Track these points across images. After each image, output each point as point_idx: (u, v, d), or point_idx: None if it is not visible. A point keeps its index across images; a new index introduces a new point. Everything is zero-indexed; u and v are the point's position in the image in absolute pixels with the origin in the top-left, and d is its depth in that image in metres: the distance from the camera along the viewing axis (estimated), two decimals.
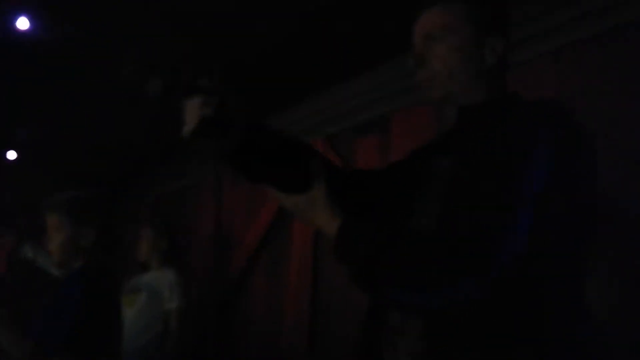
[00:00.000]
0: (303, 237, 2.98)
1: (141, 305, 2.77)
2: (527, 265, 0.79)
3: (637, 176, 1.73)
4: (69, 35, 2.50)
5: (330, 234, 0.95)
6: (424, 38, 1.03)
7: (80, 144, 4.02)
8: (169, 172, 4.38)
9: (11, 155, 4.04)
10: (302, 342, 2.84)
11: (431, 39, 1.02)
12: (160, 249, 2.94)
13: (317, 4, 2.26)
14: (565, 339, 0.87)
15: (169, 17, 2.42)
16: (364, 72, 2.71)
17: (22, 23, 2.45)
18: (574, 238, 0.87)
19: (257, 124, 0.99)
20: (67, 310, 1.67)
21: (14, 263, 3.40)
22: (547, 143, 0.84)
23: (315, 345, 2.79)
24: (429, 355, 0.88)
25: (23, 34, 2.49)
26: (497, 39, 1.02)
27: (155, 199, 4.62)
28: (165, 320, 2.79)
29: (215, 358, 3.42)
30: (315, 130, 3.04)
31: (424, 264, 0.83)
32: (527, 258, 0.79)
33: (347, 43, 2.47)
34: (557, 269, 0.86)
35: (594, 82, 1.89)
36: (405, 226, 1.00)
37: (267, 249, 3.29)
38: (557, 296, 0.87)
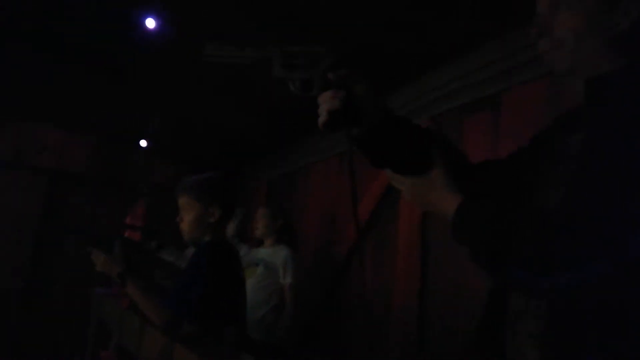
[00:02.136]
0: (410, 219, 2.97)
1: (259, 279, 2.94)
2: None
3: None
4: (194, 32, 2.68)
5: (448, 213, 0.93)
6: (549, 5, 0.97)
7: (203, 133, 4.32)
8: (280, 159, 4.58)
9: (143, 143, 4.45)
10: (411, 322, 2.85)
11: (556, 5, 0.96)
12: (275, 227, 3.12)
13: None
14: None
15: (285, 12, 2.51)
16: (471, 49, 2.62)
17: (150, 22, 2.69)
18: None
19: (386, 110, 1.01)
20: (196, 281, 1.79)
21: (147, 235, 3.76)
22: None
23: (424, 325, 2.78)
24: (552, 338, 0.85)
25: (152, 32, 2.72)
26: (630, 2, 0.92)
27: (269, 182, 4.85)
28: (280, 295, 2.94)
29: (327, 334, 3.53)
30: (421, 110, 3.00)
31: (551, 243, 0.78)
32: None
33: (456, 20, 2.41)
34: None
35: None
36: (529, 206, 0.94)
37: (374, 230, 3.32)
38: None
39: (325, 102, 0.94)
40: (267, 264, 2.99)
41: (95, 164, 4.75)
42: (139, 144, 4.41)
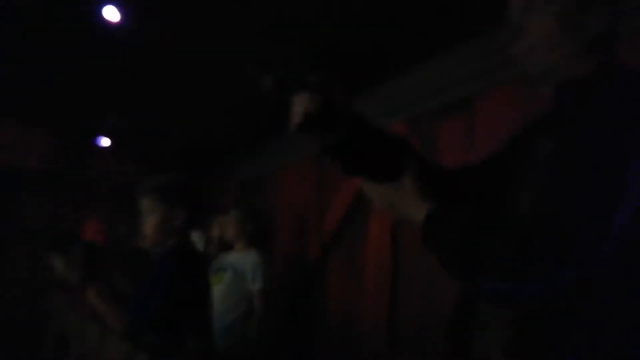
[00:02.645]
0: (380, 225, 2.96)
1: (227, 285, 2.86)
2: (631, 255, 0.74)
3: None
4: (159, 25, 2.60)
5: (418, 221, 0.93)
6: (523, 8, 0.98)
7: (168, 131, 4.21)
8: (252, 160, 4.51)
9: (104, 142, 4.29)
10: (381, 330, 2.84)
11: (530, 9, 0.96)
12: (247, 231, 3.04)
13: None
14: None
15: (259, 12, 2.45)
16: (446, 52, 2.63)
17: (112, 13, 2.57)
18: None
19: (359, 118, 1.00)
20: (160, 288, 1.73)
21: (110, 241, 3.65)
22: None
23: (395, 333, 2.77)
24: (518, 346, 0.85)
25: (113, 24, 2.62)
26: (603, 7, 0.94)
27: (240, 185, 4.77)
28: (249, 301, 2.86)
29: (297, 340, 3.49)
30: (396, 113, 2.99)
31: (521, 251, 0.78)
32: (631, 247, 0.73)
33: (430, 23, 2.41)
34: None
35: None
36: (500, 213, 0.95)
37: (344, 237, 3.30)
38: None
39: (302, 104, 0.92)
40: (235, 269, 2.91)
41: (53, 162, 4.56)
42: (99, 143, 4.25)
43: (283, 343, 3.40)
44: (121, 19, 2.59)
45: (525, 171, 0.95)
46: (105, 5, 2.53)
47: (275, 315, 3.18)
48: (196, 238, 3.19)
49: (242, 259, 2.95)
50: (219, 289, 2.78)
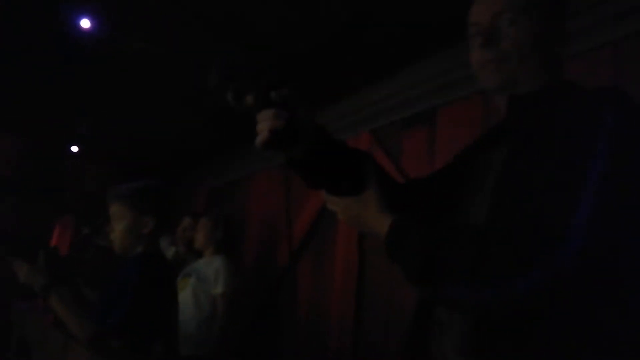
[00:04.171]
0: (348, 234, 2.99)
1: (190, 290, 2.86)
2: (589, 260, 0.74)
3: None
4: (130, 34, 2.60)
5: (381, 232, 0.94)
6: (494, 16, 0.98)
7: (138, 138, 4.18)
8: (222, 166, 4.50)
9: (74, 147, 4.24)
10: (347, 337, 2.86)
11: (502, 18, 0.97)
12: (216, 238, 3.06)
13: None
14: (631, 342, 0.80)
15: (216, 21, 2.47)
16: (409, 66, 2.69)
17: (85, 23, 2.57)
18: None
19: (323, 133, 1.00)
20: (126, 294, 1.72)
21: (76, 244, 3.60)
22: (609, 129, 0.79)
23: (360, 339, 2.80)
24: (474, 350, 0.86)
25: (85, 33, 2.61)
26: (563, 26, 0.98)
27: (209, 191, 4.75)
28: (212, 305, 2.87)
29: (263, 343, 3.49)
30: (362, 123, 3.04)
31: (480, 259, 0.78)
32: (588, 252, 0.73)
33: (393, 36, 2.45)
34: (622, 264, 0.80)
35: None
36: (459, 221, 0.97)
37: (312, 243, 3.32)
38: (620, 295, 0.81)
39: (267, 121, 0.91)
40: (199, 274, 2.92)
41: (22, 167, 4.48)
42: (69, 148, 4.20)
43: (248, 346, 3.39)
44: (93, 27, 2.59)
45: (480, 181, 0.97)
46: (76, 12, 2.52)
47: (241, 319, 3.19)
48: (164, 244, 3.19)
49: (207, 265, 2.97)
50: (183, 295, 2.78)
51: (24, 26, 2.66)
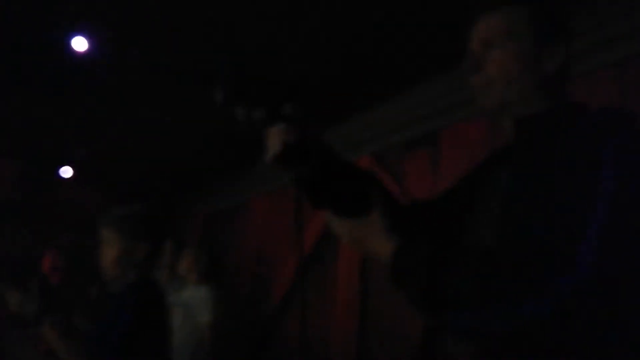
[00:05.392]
0: (350, 257, 2.96)
1: (179, 321, 2.88)
2: (596, 285, 0.73)
3: None
4: (126, 56, 2.59)
5: (385, 257, 0.92)
6: (482, 43, 1.00)
7: (133, 162, 4.15)
8: (217, 192, 4.47)
9: (67, 172, 4.18)
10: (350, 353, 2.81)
11: (489, 44, 0.99)
12: (200, 267, 3.09)
13: (367, 21, 2.26)
14: None
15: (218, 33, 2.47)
16: (412, 88, 2.70)
17: (79, 43, 2.55)
18: None
19: (331, 152, 1.00)
20: (120, 323, 1.68)
21: (68, 274, 3.56)
22: (614, 152, 0.79)
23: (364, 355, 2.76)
24: None
25: (80, 54, 2.59)
26: (558, 48, 0.97)
27: (205, 217, 4.70)
28: (200, 335, 2.91)
29: None
30: (364, 146, 3.03)
31: (488, 284, 0.78)
32: (596, 277, 0.73)
33: (396, 60, 2.47)
34: (629, 288, 0.79)
35: None
36: (464, 246, 0.96)
37: (313, 269, 3.28)
38: (625, 320, 0.80)
39: (278, 135, 0.91)
40: (186, 304, 2.97)
41: (14, 193, 4.43)
42: (63, 173, 4.15)
43: None
44: (88, 49, 2.57)
45: (486, 203, 0.97)
46: (71, 34, 2.51)
47: (228, 347, 3.19)
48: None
49: (193, 295, 3.03)
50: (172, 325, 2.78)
51: (19, 50, 2.65)
